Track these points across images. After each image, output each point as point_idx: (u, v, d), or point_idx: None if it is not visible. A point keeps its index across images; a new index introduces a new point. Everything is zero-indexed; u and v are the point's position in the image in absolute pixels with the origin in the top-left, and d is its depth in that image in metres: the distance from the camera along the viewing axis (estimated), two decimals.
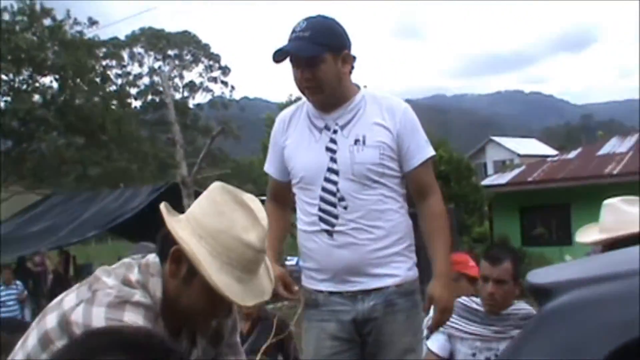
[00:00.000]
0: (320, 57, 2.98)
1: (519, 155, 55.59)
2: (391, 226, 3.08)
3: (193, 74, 54.24)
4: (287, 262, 21.86)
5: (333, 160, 3.08)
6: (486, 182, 23.19)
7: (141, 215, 16.56)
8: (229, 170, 41.98)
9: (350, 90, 3.14)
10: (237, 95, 59.45)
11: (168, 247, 1.93)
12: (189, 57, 53.00)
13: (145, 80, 51.26)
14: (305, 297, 3.17)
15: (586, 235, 3.37)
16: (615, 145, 22.74)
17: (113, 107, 33.71)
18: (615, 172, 19.69)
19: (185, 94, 53.61)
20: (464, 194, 19.75)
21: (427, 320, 3.47)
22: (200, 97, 55.86)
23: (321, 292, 3.12)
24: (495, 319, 3.55)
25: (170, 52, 51.34)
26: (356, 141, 3.09)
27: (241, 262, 1.93)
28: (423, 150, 3.13)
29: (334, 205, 3.07)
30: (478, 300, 3.67)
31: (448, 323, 3.53)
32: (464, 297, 3.77)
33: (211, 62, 54.95)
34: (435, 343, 3.62)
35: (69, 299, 1.93)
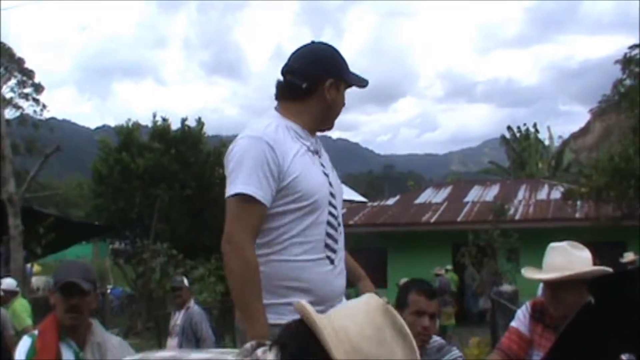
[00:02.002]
0: None
1: None
2: None
3: (4, 89, 51.48)
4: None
5: (330, 184, 3.00)
6: None
7: None
8: (60, 191, 40.14)
9: None
10: (46, 115, 56.95)
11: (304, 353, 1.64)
12: (1, 69, 50.29)
13: None
14: None
15: (535, 273, 3.67)
16: (430, 195, 24.05)
17: None
18: (432, 220, 20.77)
19: None
20: None
21: None
22: (9, 114, 53.07)
23: None
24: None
25: None
26: (332, 168, 3.13)
27: None
28: None
29: (336, 229, 2.97)
30: None
31: None
32: None
33: (24, 78, 52.48)
34: None
35: None
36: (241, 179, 2.80)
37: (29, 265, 18.82)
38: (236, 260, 2.74)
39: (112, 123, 20.19)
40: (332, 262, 2.95)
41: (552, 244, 3.64)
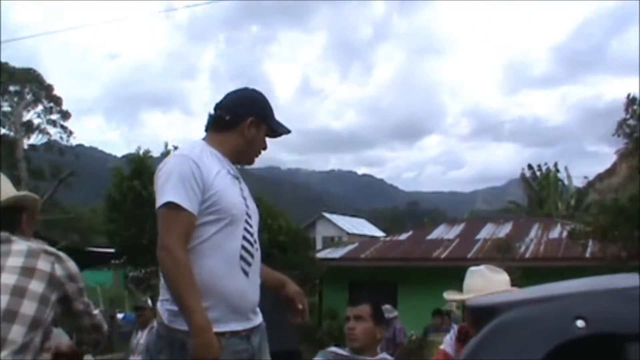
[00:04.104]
0: None
1: (348, 233, 57.07)
2: None
3: (31, 114, 52.33)
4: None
5: (247, 206, 3.30)
6: (320, 255, 23.83)
7: None
8: (73, 215, 40.63)
9: None
10: (73, 142, 57.69)
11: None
12: (30, 95, 51.12)
13: None
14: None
15: (453, 295, 3.93)
16: (443, 232, 24.07)
17: None
18: (442, 256, 20.80)
19: (21, 133, 51.57)
20: (300, 264, 20.22)
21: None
22: (36, 139, 53.82)
23: (223, 334, 3.06)
24: None
25: (12, 88, 49.27)
26: (249, 196, 3.42)
27: None
28: None
29: (252, 244, 3.24)
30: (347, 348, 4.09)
31: None
32: (333, 347, 4.17)
33: (52, 104, 53.24)
34: None
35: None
36: (169, 191, 3.09)
37: None
38: (168, 262, 2.99)
39: (140, 151, 20.56)
40: (246, 274, 3.21)
41: (471, 268, 3.88)
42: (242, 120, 3.37)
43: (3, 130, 47.42)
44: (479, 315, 1.60)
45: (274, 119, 3.50)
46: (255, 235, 3.31)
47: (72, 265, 3.02)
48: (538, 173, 37.28)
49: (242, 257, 3.19)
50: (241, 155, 3.45)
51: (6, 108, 47.65)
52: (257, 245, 3.31)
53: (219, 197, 3.15)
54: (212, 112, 3.47)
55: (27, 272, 2.83)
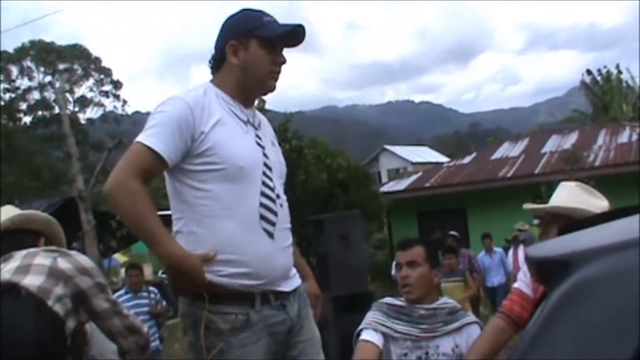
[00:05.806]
0: None
1: (412, 163, 56.51)
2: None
3: (83, 89, 52.81)
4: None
5: (265, 156, 2.86)
6: (384, 189, 23.40)
7: None
8: None
9: None
10: (129, 110, 58.10)
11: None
12: (79, 71, 51.52)
13: (35, 95, 49.66)
14: (229, 319, 2.68)
15: (532, 204, 3.47)
16: (507, 150, 23.36)
17: (3, 121, 32.55)
18: (509, 175, 20.18)
19: (76, 108, 52.15)
20: (362, 201, 19.83)
21: None
22: (92, 112, 54.39)
23: (253, 307, 2.72)
24: (423, 316, 3.49)
25: (61, 66, 49.72)
26: (272, 143, 3.01)
27: None
28: None
29: (273, 201, 2.80)
30: (402, 298, 3.65)
31: (380, 323, 3.50)
32: (388, 297, 3.73)
33: (102, 76, 53.62)
34: (373, 336, 3.50)
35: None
36: (149, 131, 2.67)
37: (108, 258, 19.24)
38: (122, 194, 2.56)
39: None
40: (270, 236, 2.76)
41: (562, 183, 3.40)
42: (226, 50, 2.88)
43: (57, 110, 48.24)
44: (547, 268, 1.15)
45: (264, 26, 2.87)
46: (279, 190, 2.87)
47: (82, 259, 2.85)
48: (599, 78, 35.84)
49: (262, 217, 2.74)
50: (248, 85, 2.91)
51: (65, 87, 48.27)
52: (281, 201, 2.86)
53: (220, 147, 2.70)
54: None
55: (21, 270, 2.65)
